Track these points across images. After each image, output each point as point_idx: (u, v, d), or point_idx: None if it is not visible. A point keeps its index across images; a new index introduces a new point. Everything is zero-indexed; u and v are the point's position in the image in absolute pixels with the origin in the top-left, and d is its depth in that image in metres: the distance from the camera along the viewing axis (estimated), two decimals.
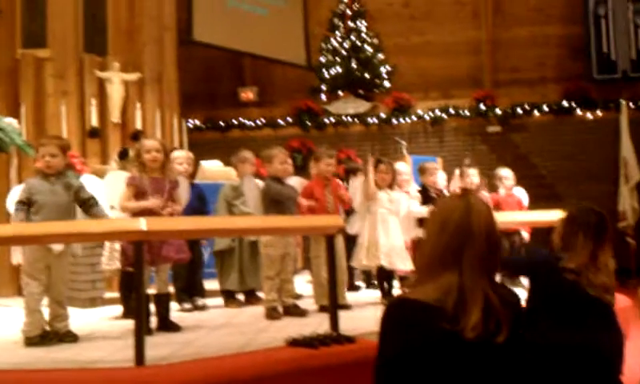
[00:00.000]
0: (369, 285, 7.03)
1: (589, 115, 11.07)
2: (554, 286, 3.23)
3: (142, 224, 3.48)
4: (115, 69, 8.32)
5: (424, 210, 6.48)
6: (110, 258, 5.36)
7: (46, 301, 4.52)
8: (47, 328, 4.45)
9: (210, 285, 6.30)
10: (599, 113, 11.00)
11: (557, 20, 11.64)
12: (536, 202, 8.00)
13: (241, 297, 6.18)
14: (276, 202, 5.35)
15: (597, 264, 3.20)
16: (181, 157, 5.91)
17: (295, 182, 6.10)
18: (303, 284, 7.02)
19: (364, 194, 6.05)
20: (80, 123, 8.17)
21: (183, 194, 5.31)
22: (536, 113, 11.22)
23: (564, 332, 3.15)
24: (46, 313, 4.49)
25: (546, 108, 11.18)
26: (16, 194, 5.30)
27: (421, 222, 6.57)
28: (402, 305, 2.01)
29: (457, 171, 7.23)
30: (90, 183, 5.67)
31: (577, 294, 3.18)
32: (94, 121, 8.17)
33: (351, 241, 6.23)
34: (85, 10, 8.42)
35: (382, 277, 6.07)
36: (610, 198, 10.51)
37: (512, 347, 1.96)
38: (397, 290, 6.24)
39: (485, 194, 7.16)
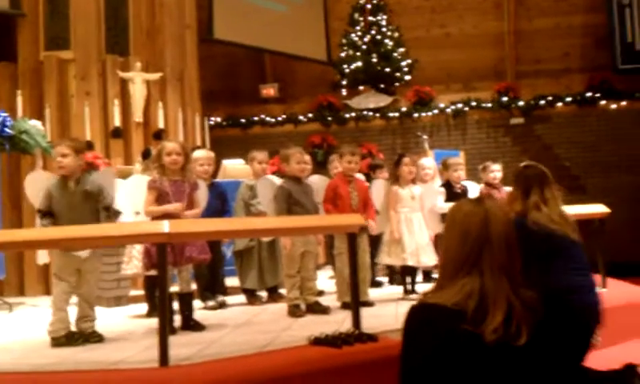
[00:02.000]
0: (392, 281, 7.01)
1: (613, 106, 10.94)
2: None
3: (165, 227, 3.51)
4: (137, 69, 8.38)
5: (448, 207, 6.45)
6: (128, 262, 5.41)
7: (74, 299, 4.59)
8: (73, 328, 4.50)
9: (232, 282, 6.35)
10: (624, 103, 10.87)
11: (580, 10, 11.51)
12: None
13: (263, 294, 6.22)
14: (292, 201, 5.35)
15: (538, 207, 3.51)
16: (202, 157, 5.93)
17: (316, 180, 6.10)
18: (325, 280, 7.03)
19: (388, 204, 6.06)
20: (103, 123, 8.24)
21: (202, 196, 5.34)
22: (559, 104, 11.12)
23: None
24: (72, 312, 4.55)
25: (569, 99, 11.07)
26: (31, 183, 5.38)
27: (444, 217, 6.54)
28: (423, 310, 2.03)
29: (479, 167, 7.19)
30: (112, 184, 5.72)
31: (541, 236, 3.38)
32: (117, 121, 8.24)
33: (374, 239, 6.23)
34: (106, 12, 8.50)
35: (405, 273, 6.06)
36: (637, 189, 10.40)
37: (532, 350, 1.96)
38: (420, 285, 6.23)
39: (507, 189, 7.11)
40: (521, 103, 11.18)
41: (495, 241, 1.99)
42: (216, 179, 6.51)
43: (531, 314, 1.99)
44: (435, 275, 6.85)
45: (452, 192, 6.68)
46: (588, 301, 3.39)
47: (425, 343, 1.97)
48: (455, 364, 1.93)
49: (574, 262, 3.43)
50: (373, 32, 11.61)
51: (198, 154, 6.06)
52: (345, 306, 5.34)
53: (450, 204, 6.30)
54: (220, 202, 5.90)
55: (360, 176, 6.49)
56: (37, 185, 5.16)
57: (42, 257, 6.25)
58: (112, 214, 4.64)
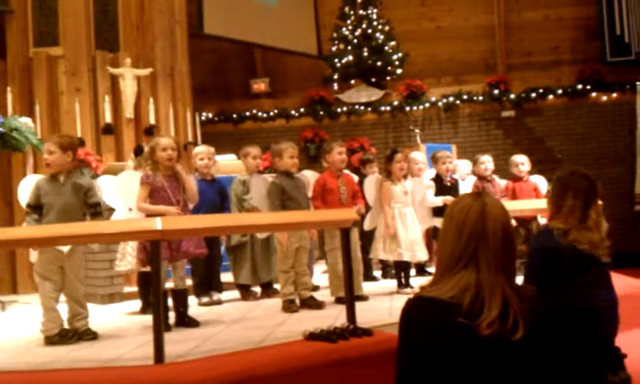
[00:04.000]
0: (385, 275, 7.02)
1: (604, 98, 10.98)
2: (550, 254, 3.23)
3: (158, 224, 3.49)
4: (127, 64, 8.34)
5: (438, 200, 6.46)
6: (122, 258, 5.38)
7: (63, 298, 4.56)
8: (66, 326, 4.48)
9: (226, 277, 6.33)
10: (614, 95, 10.92)
11: (570, 2, 11.54)
12: None
13: (257, 289, 6.21)
14: (285, 197, 5.34)
15: (586, 224, 3.28)
16: (202, 152, 5.93)
17: (309, 175, 6.08)
18: (319, 275, 7.03)
19: (382, 200, 6.02)
20: (94, 120, 8.21)
21: (192, 180, 5.29)
22: (550, 96, 11.15)
23: (567, 293, 3.16)
24: (64, 311, 4.53)
25: (560, 91, 11.10)
26: (25, 188, 5.34)
27: (435, 211, 6.55)
28: (420, 303, 2.03)
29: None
30: (107, 185, 5.71)
31: (571, 252, 3.23)
32: (108, 117, 8.21)
33: (365, 233, 6.23)
34: (95, 7, 8.46)
35: (399, 267, 6.05)
36: (626, 181, 10.45)
37: (529, 344, 1.97)
38: (414, 279, 6.24)
39: (499, 182, 7.13)
40: (512, 96, 11.19)
41: (491, 235, 2.00)
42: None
43: (527, 309, 2.00)
44: (428, 269, 6.88)
45: (441, 185, 6.69)
46: (609, 320, 3.29)
47: (421, 336, 1.97)
48: (451, 357, 1.93)
49: (599, 282, 3.30)
50: (363, 26, 11.56)
51: (199, 148, 6.08)
52: (339, 300, 5.35)
53: (440, 197, 6.40)
54: (220, 198, 5.89)
55: (347, 172, 6.48)
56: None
57: (35, 254, 6.21)
58: (99, 211, 4.62)
